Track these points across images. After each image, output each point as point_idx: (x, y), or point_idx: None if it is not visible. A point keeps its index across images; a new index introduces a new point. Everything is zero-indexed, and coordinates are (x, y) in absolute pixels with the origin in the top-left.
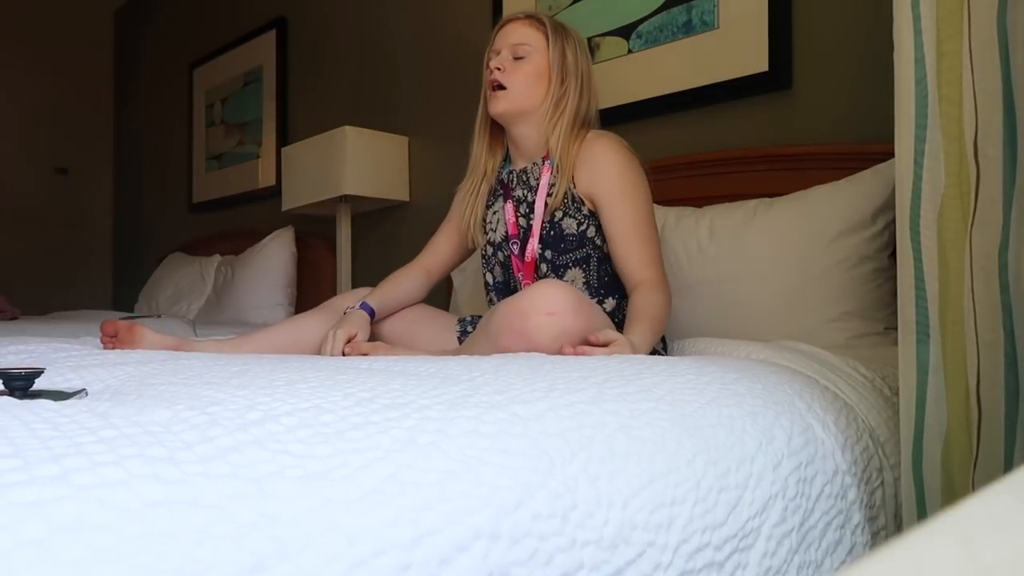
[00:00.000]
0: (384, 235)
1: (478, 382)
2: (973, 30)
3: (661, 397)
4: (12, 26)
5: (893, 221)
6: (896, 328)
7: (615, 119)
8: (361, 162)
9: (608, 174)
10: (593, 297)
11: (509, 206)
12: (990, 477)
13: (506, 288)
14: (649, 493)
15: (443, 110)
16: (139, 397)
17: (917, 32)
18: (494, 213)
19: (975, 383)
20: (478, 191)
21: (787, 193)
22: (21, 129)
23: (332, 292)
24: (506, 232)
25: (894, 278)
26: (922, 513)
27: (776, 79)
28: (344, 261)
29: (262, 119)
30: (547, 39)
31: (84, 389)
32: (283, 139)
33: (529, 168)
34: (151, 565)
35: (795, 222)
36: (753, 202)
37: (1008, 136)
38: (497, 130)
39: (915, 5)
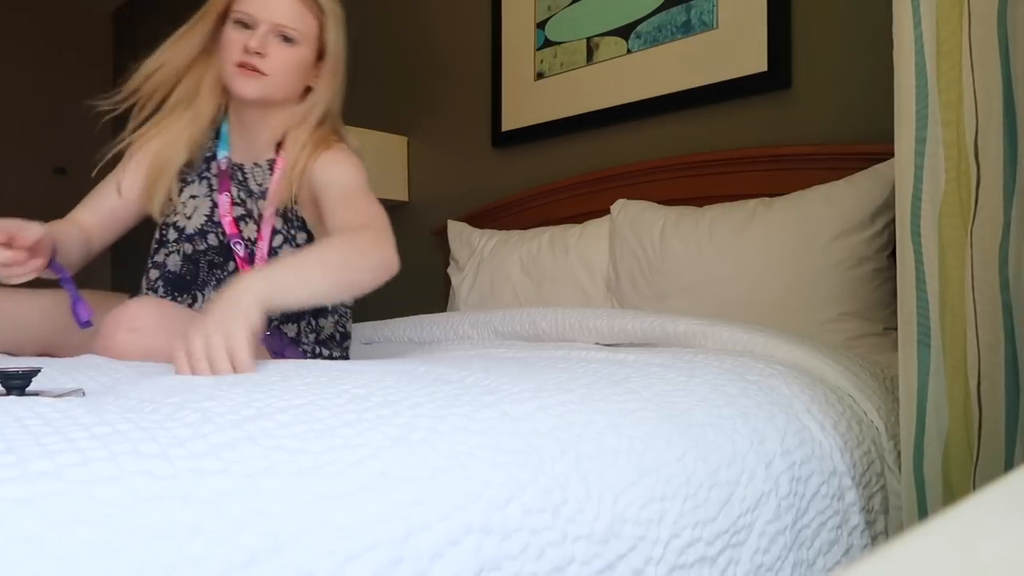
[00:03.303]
0: None
1: (468, 382)
2: (973, 30)
3: (649, 399)
4: (11, 26)
5: (892, 221)
6: (895, 329)
7: (615, 119)
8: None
9: (334, 180)
10: (306, 318)
11: (225, 199)
12: (991, 478)
13: (181, 282)
14: (639, 488)
15: (443, 110)
16: (134, 394)
17: (917, 32)
18: (192, 197)
19: (976, 384)
20: (180, 145)
21: (786, 193)
22: (20, 129)
23: None
24: (220, 230)
25: (893, 279)
26: (923, 514)
27: (775, 79)
28: None
29: None
30: (321, 27)
31: (81, 388)
32: None
33: (249, 168)
34: (143, 560)
35: (794, 222)
36: (752, 202)
37: (1008, 136)
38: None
39: (915, 5)
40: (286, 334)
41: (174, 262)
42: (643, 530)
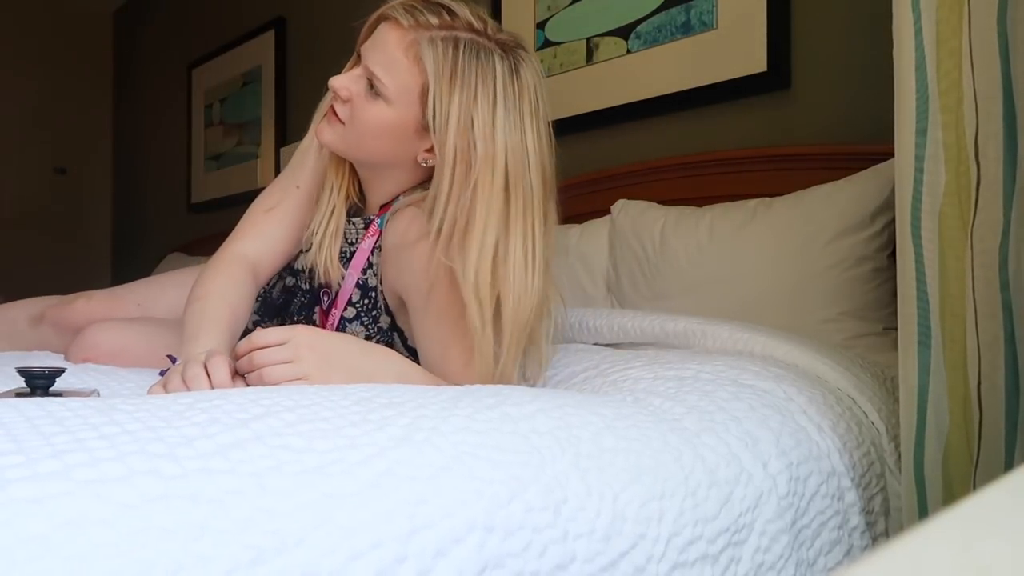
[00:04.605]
0: None
1: (470, 387)
2: (973, 30)
3: (646, 405)
4: (11, 26)
5: (892, 221)
6: (895, 328)
7: (614, 119)
8: None
9: (422, 270)
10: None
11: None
12: (991, 478)
13: (272, 309)
14: (638, 487)
15: None
16: (143, 395)
17: (917, 32)
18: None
19: (976, 384)
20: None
21: (786, 193)
22: (20, 129)
23: None
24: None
25: (893, 278)
26: (923, 514)
27: (775, 79)
28: None
29: (261, 119)
30: (423, 91)
31: (96, 390)
32: (282, 139)
33: (355, 219)
34: (151, 560)
35: (794, 222)
36: (753, 202)
37: (1008, 136)
38: None
39: (915, 5)
40: None
41: (279, 288)
42: (643, 528)
